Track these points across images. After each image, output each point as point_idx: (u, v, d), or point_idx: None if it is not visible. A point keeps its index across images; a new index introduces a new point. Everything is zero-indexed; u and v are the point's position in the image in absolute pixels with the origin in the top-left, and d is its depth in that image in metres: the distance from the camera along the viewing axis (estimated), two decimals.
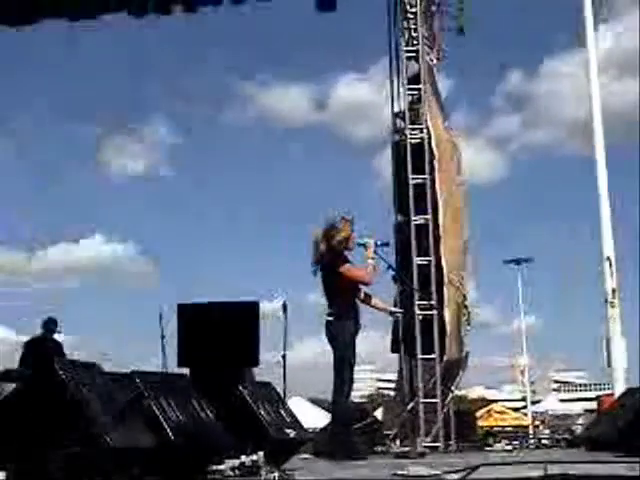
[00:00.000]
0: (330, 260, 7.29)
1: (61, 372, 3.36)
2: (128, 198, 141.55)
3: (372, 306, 7.56)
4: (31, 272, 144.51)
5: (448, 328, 10.55)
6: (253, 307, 8.89)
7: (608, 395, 13.44)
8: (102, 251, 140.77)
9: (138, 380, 4.02)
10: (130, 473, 3.30)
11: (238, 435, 4.94)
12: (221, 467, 4.49)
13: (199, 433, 4.38)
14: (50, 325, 11.82)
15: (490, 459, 6.10)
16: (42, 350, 11.31)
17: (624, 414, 7.31)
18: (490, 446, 10.16)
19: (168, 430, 3.93)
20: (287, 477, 4.05)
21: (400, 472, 4.61)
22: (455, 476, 4.50)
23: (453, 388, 11.43)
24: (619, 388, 11.31)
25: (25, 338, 12.03)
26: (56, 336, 12.22)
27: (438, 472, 4.55)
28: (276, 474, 3.87)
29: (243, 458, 4.47)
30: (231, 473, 4.42)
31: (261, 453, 4.48)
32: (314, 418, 20.01)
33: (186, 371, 8.33)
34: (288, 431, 5.76)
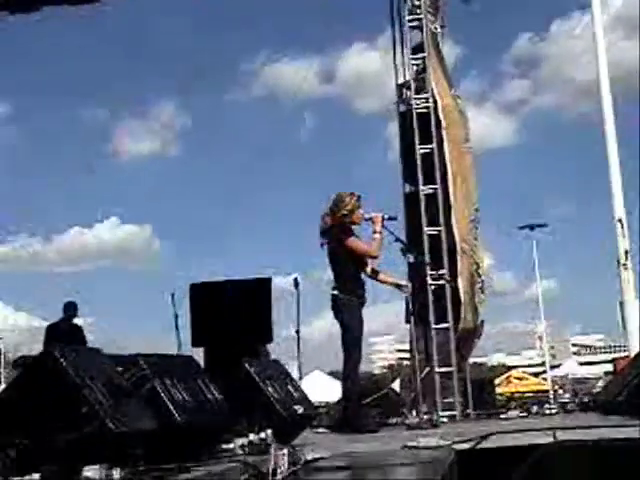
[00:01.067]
0: (336, 233, 7.30)
1: (61, 358, 3.38)
2: (139, 180, 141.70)
3: (380, 280, 7.56)
4: (47, 257, 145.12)
5: (462, 297, 10.53)
6: (265, 284, 8.91)
7: (624, 357, 13.41)
8: (116, 233, 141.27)
9: (142, 362, 4.03)
10: (134, 457, 3.32)
11: (246, 413, 4.96)
12: (230, 446, 4.51)
13: (206, 413, 4.40)
14: (69, 309, 12.01)
15: (503, 427, 6.09)
16: (58, 335, 11.40)
17: (635, 376, 7.29)
18: (505, 413, 10.14)
19: (174, 411, 3.94)
20: (296, 453, 4.04)
21: (410, 444, 4.62)
22: (465, 445, 4.51)
23: (469, 357, 11.45)
24: (634, 350, 11.27)
25: (45, 324, 12.21)
26: (76, 320, 12.34)
27: (448, 442, 4.55)
28: (285, 450, 3.87)
29: (252, 436, 4.49)
30: (240, 451, 4.44)
31: (269, 431, 4.50)
32: (334, 391, 20.11)
33: (201, 350, 8.40)
34: (296, 407, 5.77)
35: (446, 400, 9.96)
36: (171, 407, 3.97)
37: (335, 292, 7.20)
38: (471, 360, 11.60)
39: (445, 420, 8.97)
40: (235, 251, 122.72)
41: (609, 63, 12.92)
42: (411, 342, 10.48)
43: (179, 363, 4.72)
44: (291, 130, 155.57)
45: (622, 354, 19.73)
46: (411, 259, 10.00)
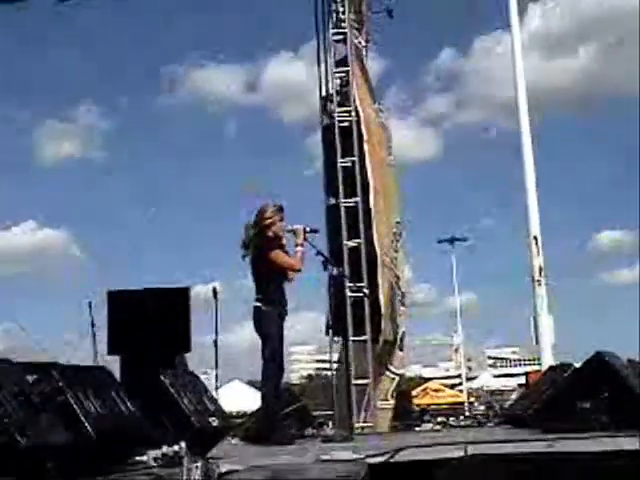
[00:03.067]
0: (259, 245, 7.30)
1: None
2: (60, 183, 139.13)
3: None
4: None
5: (383, 309, 10.62)
6: (184, 293, 8.85)
7: (536, 371, 13.71)
8: (32, 238, 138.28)
9: (55, 373, 3.96)
10: (45, 471, 3.26)
11: (160, 425, 4.93)
12: (143, 458, 4.47)
13: (119, 425, 4.35)
14: None
15: (416, 440, 6.17)
16: None
17: (543, 391, 7.48)
18: (420, 426, 10.27)
19: (87, 424, 3.88)
20: (210, 465, 4.03)
21: (324, 457, 4.64)
22: (378, 459, 4.55)
23: (392, 368, 11.54)
24: (547, 364, 11.55)
25: None
26: None
27: (361, 455, 4.59)
28: (199, 463, 3.86)
29: (165, 448, 4.46)
30: (154, 464, 4.40)
31: (183, 443, 4.47)
32: (252, 401, 20.05)
33: (116, 359, 8.29)
34: (211, 419, 5.75)
35: (362, 411, 10.04)
36: (83, 419, 3.91)
37: (257, 304, 7.19)
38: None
39: (355, 433, 9.02)
40: (154, 259, 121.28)
41: (527, 82, 13.25)
42: (329, 353, 10.53)
43: (93, 374, 4.66)
44: (214, 137, 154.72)
45: (535, 367, 20.15)
46: (332, 272, 10.08)
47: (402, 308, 11.83)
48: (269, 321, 7.12)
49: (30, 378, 3.87)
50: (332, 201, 10.99)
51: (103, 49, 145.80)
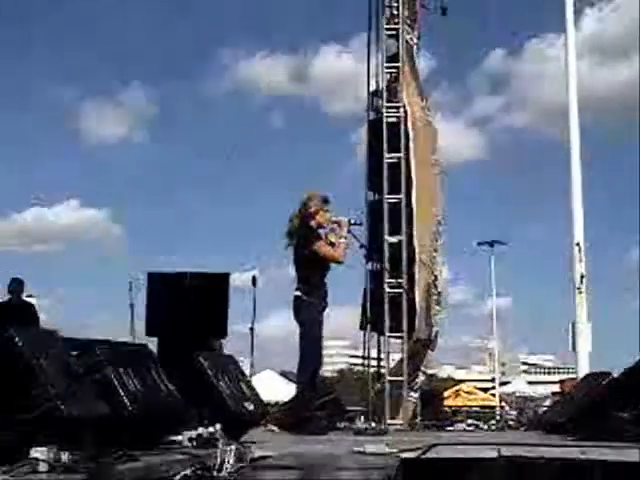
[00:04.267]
0: (303, 236, 7.31)
1: (16, 337, 3.37)
2: (103, 164, 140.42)
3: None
4: (3, 236, 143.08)
5: (418, 307, 10.60)
6: (223, 278, 8.91)
7: (571, 379, 13.60)
8: (76, 217, 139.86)
9: (97, 349, 4.03)
10: (85, 442, 3.32)
11: (197, 407, 4.98)
12: (179, 438, 4.52)
13: (157, 404, 4.41)
14: (15, 286, 11.35)
15: (449, 439, 6.17)
16: (10, 312, 11.15)
17: (578, 399, 7.43)
18: (451, 426, 10.25)
19: (125, 400, 3.95)
20: (244, 449, 4.07)
21: (357, 449, 4.66)
22: (410, 454, 4.56)
23: (422, 368, 11.53)
24: (582, 372, 11.44)
25: None
26: (29, 299, 12.08)
27: (394, 450, 4.60)
28: (233, 446, 3.89)
29: (201, 430, 4.51)
30: (188, 444, 4.45)
31: (219, 425, 4.52)
32: (284, 392, 20.10)
33: (154, 341, 8.37)
34: (247, 404, 5.79)
35: (395, 409, 10.04)
36: (122, 395, 3.97)
37: (298, 293, 7.21)
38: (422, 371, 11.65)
39: (393, 428, 9.03)
40: (196, 243, 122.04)
41: (580, 88, 13.12)
42: (364, 349, 10.54)
43: (133, 351, 4.72)
44: (259, 126, 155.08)
45: (570, 375, 20.00)
46: (372, 266, 10.09)
47: (437, 308, 11.80)
48: (309, 311, 7.13)
49: (74, 352, 3.94)
50: (374, 196, 10.98)
51: (152, 31, 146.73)
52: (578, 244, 12.34)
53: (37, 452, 3.08)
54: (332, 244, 7.35)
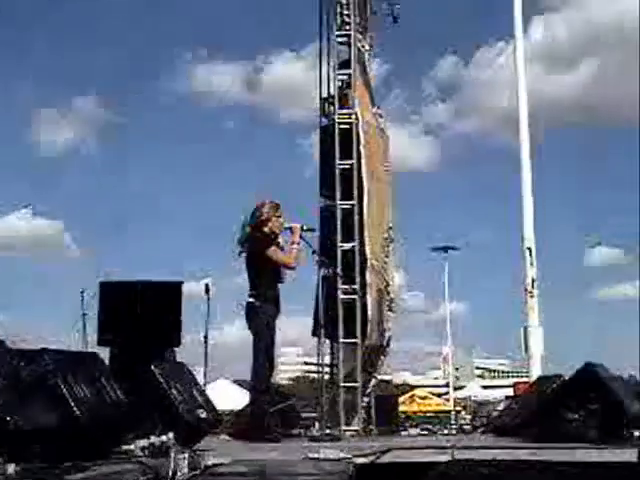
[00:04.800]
0: (255, 242, 7.30)
1: None
2: (54, 173, 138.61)
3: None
4: None
5: (370, 314, 10.61)
6: (176, 287, 8.86)
7: (524, 382, 13.74)
8: (27, 226, 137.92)
9: (46, 357, 3.96)
10: (31, 453, 3.26)
11: (148, 415, 4.93)
12: (130, 447, 4.47)
13: (108, 413, 4.35)
14: None
15: (403, 443, 6.18)
16: None
17: (530, 401, 7.50)
18: (405, 431, 10.29)
19: (75, 410, 3.88)
20: (197, 458, 4.04)
21: (311, 455, 4.65)
22: (365, 459, 4.56)
23: (376, 374, 11.56)
24: (535, 375, 11.57)
25: None
26: None
27: (349, 455, 4.60)
28: (186, 454, 3.86)
29: (153, 438, 4.46)
30: (140, 453, 4.40)
31: (171, 434, 4.48)
32: (238, 400, 20.01)
33: (106, 350, 8.28)
34: (200, 412, 5.75)
35: (349, 415, 10.04)
36: (72, 404, 3.91)
37: (250, 299, 7.20)
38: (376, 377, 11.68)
39: (347, 434, 9.03)
40: (148, 252, 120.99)
41: (528, 94, 13.29)
42: (318, 355, 10.52)
43: (84, 360, 4.66)
44: (211, 134, 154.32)
45: (523, 379, 20.19)
46: (325, 272, 10.08)
47: (390, 314, 11.85)
48: (262, 317, 7.13)
49: (22, 362, 3.88)
50: (326, 202, 10.99)
51: (102, 38, 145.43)
52: (529, 248, 12.48)
53: None
54: (284, 250, 7.36)
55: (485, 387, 60.83)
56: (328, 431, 8.26)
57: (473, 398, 40.80)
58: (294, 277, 7.68)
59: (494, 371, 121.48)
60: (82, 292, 10.83)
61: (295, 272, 7.56)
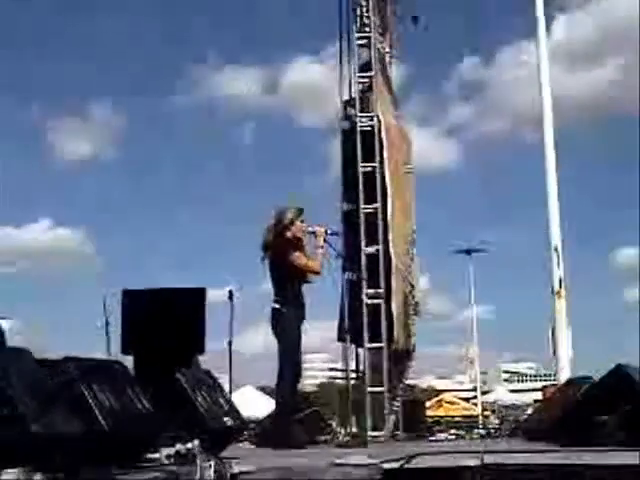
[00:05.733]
0: (279, 247, 7.28)
1: None
2: (73, 182, 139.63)
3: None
4: None
5: (395, 318, 10.59)
6: (200, 294, 8.84)
7: (553, 385, 13.63)
8: (47, 236, 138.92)
9: (70, 365, 3.97)
10: (57, 462, 3.26)
11: (174, 423, 4.92)
12: (156, 455, 4.46)
13: (133, 420, 4.35)
14: None
15: (431, 448, 6.14)
16: None
17: (560, 405, 7.43)
18: (433, 436, 10.24)
19: (100, 417, 3.89)
20: (223, 465, 4.03)
21: (338, 461, 4.62)
22: (393, 464, 4.53)
23: (402, 378, 11.52)
24: (564, 378, 11.47)
25: None
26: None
27: (376, 461, 4.57)
28: (212, 462, 3.85)
29: (179, 446, 4.45)
30: (166, 461, 4.39)
31: (197, 441, 4.46)
32: (263, 407, 20.01)
33: (129, 359, 8.29)
34: (226, 420, 5.74)
35: (376, 420, 10.01)
36: (97, 413, 3.91)
37: (275, 305, 7.18)
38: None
39: (375, 439, 9.00)
40: (170, 261, 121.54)
41: (552, 93, 13.21)
42: (344, 360, 10.50)
43: (108, 368, 4.66)
44: (231, 140, 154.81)
45: (552, 382, 20.05)
46: (350, 276, 10.07)
47: (415, 317, 11.81)
48: (287, 322, 7.11)
49: (47, 370, 3.88)
50: (349, 206, 10.97)
51: (119, 46, 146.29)
52: (556, 249, 12.39)
53: (8, 474, 3.02)
54: (306, 255, 7.33)
55: (513, 391, 60.62)
56: (355, 437, 8.23)
57: (500, 402, 40.58)
58: (318, 282, 7.63)
59: (522, 375, 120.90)
60: (104, 301, 10.83)
61: (320, 276, 7.53)
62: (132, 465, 4.06)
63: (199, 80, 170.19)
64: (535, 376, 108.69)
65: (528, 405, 34.32)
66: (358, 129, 10.89)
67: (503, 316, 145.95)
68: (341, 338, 10.48)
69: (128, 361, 7.99)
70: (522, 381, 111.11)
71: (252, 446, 7.61)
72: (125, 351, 8.37)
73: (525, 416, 18.50)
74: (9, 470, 3.03)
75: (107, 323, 10.66)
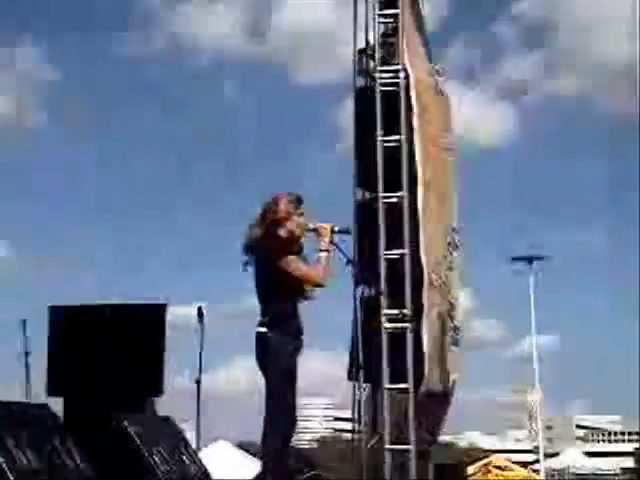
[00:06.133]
0: (267, 249, 7.27)
1: None
2: None
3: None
4: None
5: (426, 348, 10.60)
6: (158, 311, 8.76)
7: None
8: None
9: None
10: None
11: None
12: None
13: None
14: None
15: None
16: None
17: None
18: None
19: None
20: None
21: None
22: None
23: (435, 433, 11.54)
24: None
25: None
26: None
27: None
28: None
29: None
30: None
31: None
32: (244, 470, 19.97)
33: (58, 401, 8.28)
34: None
35: None
36: (10, 477, 3.94)
37: (262, 329, 7.15)
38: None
39: None
40: (116, 268, 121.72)
41: None
42: (354, 407, 10.54)
43: (30, 416, 4.69)
44: (203, 102, 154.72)
45: None
46: (364, 291, 10.09)
47: (454, 348, 11.82)
48: (278, 353, 7.08)
49: None
50: (365, 195, 11.00)
51: None
52: None
53: None
54: (305, 260, 7.34)
55: (590, 454, 60.59)
56: None
57: (574, 470, 40.62)
58: (321, 297, 7.64)
59: (603, 431, 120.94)
60: (24, 322, 10.84)
61: (324, 289, 7.54)
62: None
63: (154, 18, 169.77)
64: (621, 434, 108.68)
65: (614, 475, 34.43)
66: (378, 88, 10.90)
67: (576, 348, 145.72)
68: (352, 376, 10.50)
69: (57, 404, 8.04)
70: (603, 441, 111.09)
71: None
72: (53, 391, 8.36)
73: None
74: None
75: (27, 353, 10.68)
